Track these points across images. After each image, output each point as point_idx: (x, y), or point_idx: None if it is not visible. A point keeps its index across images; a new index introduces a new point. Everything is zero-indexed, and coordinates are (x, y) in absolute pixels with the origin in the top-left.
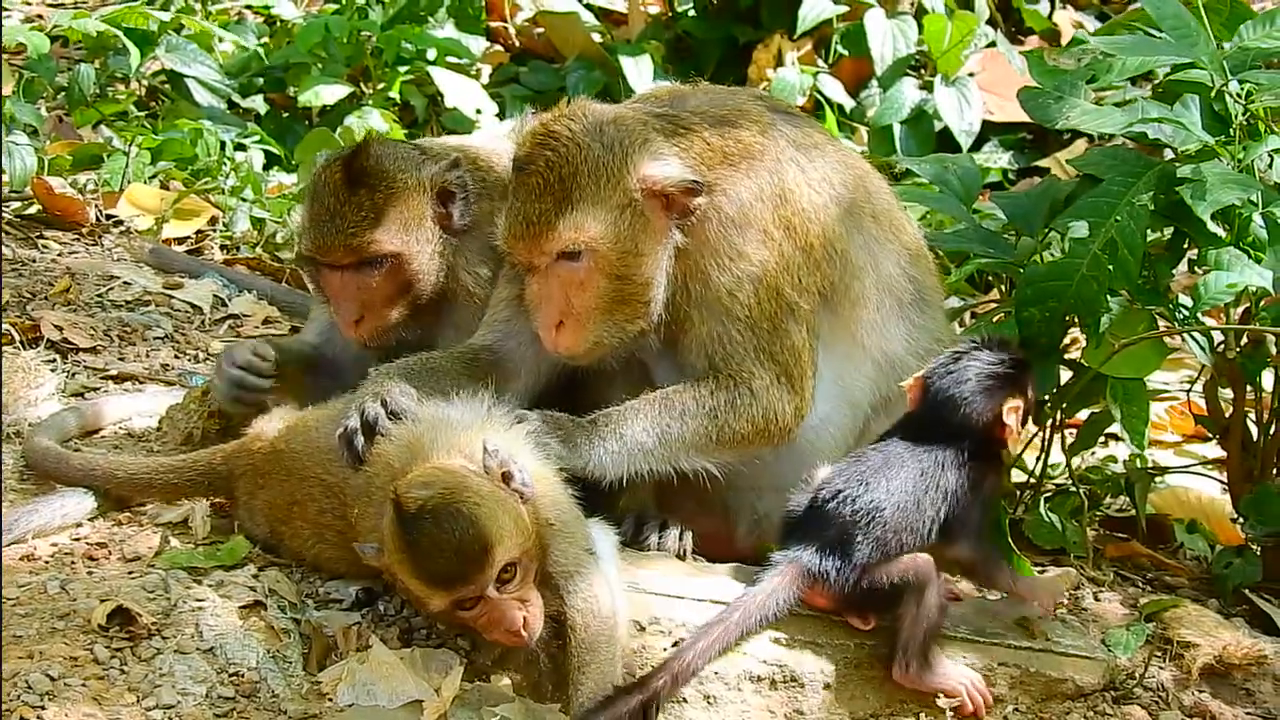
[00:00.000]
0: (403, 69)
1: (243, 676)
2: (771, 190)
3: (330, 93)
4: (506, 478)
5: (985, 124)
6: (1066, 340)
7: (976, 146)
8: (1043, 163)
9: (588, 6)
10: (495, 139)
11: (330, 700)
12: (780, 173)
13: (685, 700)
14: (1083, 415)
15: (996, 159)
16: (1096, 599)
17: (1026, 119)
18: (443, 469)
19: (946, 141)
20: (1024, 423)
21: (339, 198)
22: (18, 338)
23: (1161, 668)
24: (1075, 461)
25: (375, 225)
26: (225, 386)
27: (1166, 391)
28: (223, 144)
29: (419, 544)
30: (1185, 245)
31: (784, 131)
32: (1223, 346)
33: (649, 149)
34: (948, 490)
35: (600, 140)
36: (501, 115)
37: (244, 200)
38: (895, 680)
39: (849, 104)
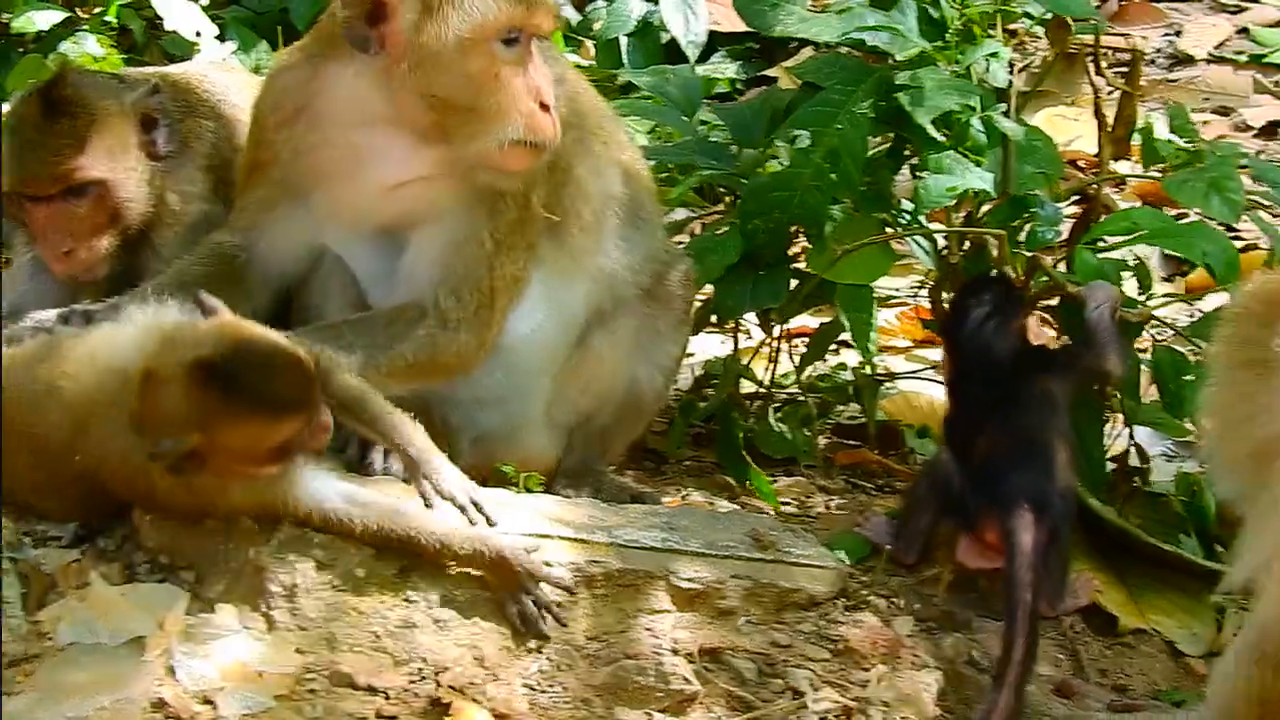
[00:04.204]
0: None
1: None
2: None
3: (44, 18)
4: None
5: (713, 34)
6: (795, 249)
7: (704, 58)
8: (770, 72)
9: None
10: (205, 65)
11: (51, 640)
12: None
13: (415, 625)
14: (815, 325)
15: (724, 69)
16: (828, 508)
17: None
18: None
19: (675, 54)
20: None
21: (39, 128)
22: None
23: (894, 574)
24: (806, 371)
25: (79, 152)
26: None
27: (896, 297)
28: None
29: (248, 382)
30: (906, 151)
31: None
32: (946, 250)
33: None
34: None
35: None
36: (221, 38)
37: None
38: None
39: (575, 17)
